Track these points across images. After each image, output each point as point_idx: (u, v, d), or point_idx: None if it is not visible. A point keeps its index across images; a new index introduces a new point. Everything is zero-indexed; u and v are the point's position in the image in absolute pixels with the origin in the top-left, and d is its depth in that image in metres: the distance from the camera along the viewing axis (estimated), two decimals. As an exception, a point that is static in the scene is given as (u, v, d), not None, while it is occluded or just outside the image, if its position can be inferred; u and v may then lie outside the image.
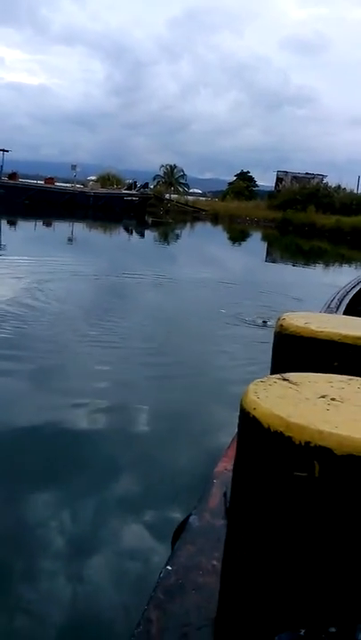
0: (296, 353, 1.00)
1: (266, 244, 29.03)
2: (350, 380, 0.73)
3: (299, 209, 35.98)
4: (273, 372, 0.91)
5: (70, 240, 21.13)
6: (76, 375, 5.43)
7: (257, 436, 0.59)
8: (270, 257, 22.68)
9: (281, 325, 1.06)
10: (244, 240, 29.78)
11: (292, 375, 0.72)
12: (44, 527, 2.99)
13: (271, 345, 1.13)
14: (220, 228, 35.42)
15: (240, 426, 0.64)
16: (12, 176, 36.28)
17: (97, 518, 3.10)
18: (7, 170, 36.85)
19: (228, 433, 3.58)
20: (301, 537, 0.54)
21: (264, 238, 31.28)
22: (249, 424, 0.60)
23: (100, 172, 45.99)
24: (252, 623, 0.61)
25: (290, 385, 0.68)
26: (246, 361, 6.11)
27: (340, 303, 3.40)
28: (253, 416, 0.59)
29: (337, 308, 3.16)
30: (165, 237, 27.21)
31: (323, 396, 0.65)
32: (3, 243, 17.90)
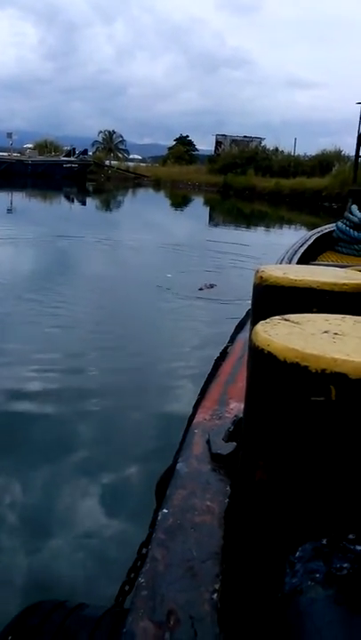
0: (276, 302, 1.03)
1: (208, 209, 29.18)
2: (343, 317, 0.78)
3: (239, 172, 36.19)
4: (254, 322, 0.90)
5: (10, 210, 20.72)
6: (22, 344, 5.38)
7: (273, 371, 0.62)
8: (213, 221, 22.92)
9: (260, 277, 1.09)
10: (186, 205, 29.87)
11: (291, 316, 0.76)
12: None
13: (251, 297, 1.18)
14: (162, 193, 35.28)
15: (253, 364, 0.68)
16: None
17: (53, 491, 3.13)
18: None
19: (187, 391, 3.82)
20: (318, 455, 0.59)
21: (206, 203, 31.42)
22: (264, 360, 0.64)
23: (37, 140, 44.74)
24: (262, 545, 0.63)
25: (293, 324, 0.71)
26: (194, 323, 6.36)
27: (291, 261, 3.59)
28: (268, 352, 0.63)
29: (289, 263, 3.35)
30: (107, 204, 27.01)
31: (325, 332, 0.68)
32: None
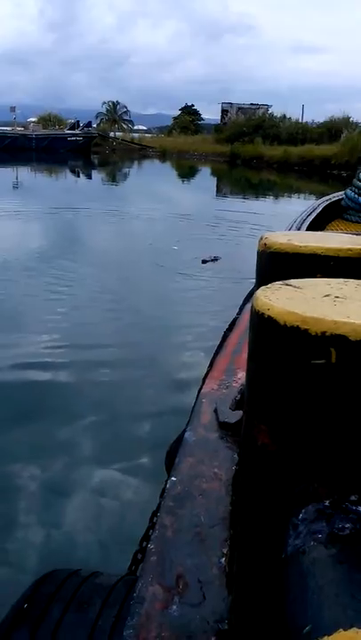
0: (280, 269, 1.02)
1: (216, 179, 28.89)
2: (346, 281, 0.77)
3: (246, 141, 35.69)
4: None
5: (16, 185, 20.63)
6: (33, 316, 5.46)
7: (274, 334, 0.62)
8: (221, 192, 22.69)
9: (264, 244, 1.08)
10: (193, 176, 29.57)
11: (292, 281, 0.76)
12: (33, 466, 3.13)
13: (256, 264, 1.17)
14: (168, 164, 34.92)
15: (253, 329, 0.68)
16: None
17: (77, 456, 3.21)
18: None
19: (197, 363, 3.83)
20: (319, 418, 0.60)
21: (213, 173, 31.09)
22: (264, 324, 0.64)
23: (40, 113, 44.24)
24: (266, 509, 0.64)
25: (294, 289, 0.72)
26: (202, 294, 6.37)
27: (299, 230, 3.56)
28: (269, 316, 0.63)
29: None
30: (113, 177, 26.79)
31: (327, 295, 0.69)
32: None
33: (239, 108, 42.72)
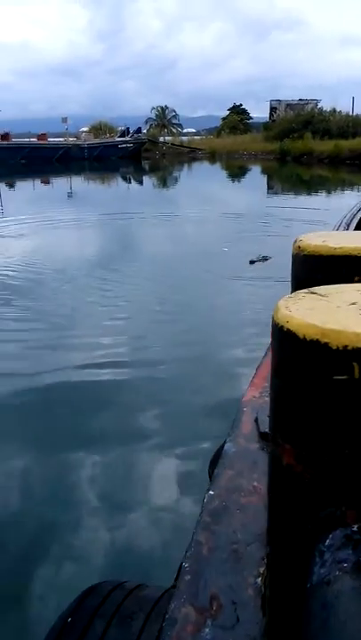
0: (315, 272, 0.97)
1: (266, 177, 28.62)
2: None
3: (295, 137, 35.20)
4: None
5: (70, 194, 21.07)
6: (92, 324, 5.55)
7: (293, 348, 0.58)
8: (272, 189, 22.47)
9: (298, 247, 1.03)
10: (243, 175, 29.39)
11: (319, 288, 0.72)
12: (90, 470, 3.16)
13: (291, 267, 1.11)
14: (218, 165, 34.86)
15: (274, 342, 0.64)
16: (5, 137, 35.71)
17: (135, 457, 3.24)
18: (-2, 131, 36.30)
19: (248, 366, 3.80)
20: (345, 439, 0.56)
21: (264, 171, 30.79)
22: (284, 338, 0.60)
23: (91, 123, 45.06)
24: (296, 531, 0.61)
25: (319, 297, 0.67)
26: (252, 297, 6.30)
27: (350, 224, 3.41)
28: (288, 329, 0.59)
29: (347, 228, 3.18)
30: (164, 181, 26.95)
31: (353, 303, 0.64)
32: (3, 204, 17.99)
33: (288, 105, 42.20)
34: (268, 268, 7.42)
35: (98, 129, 42.75)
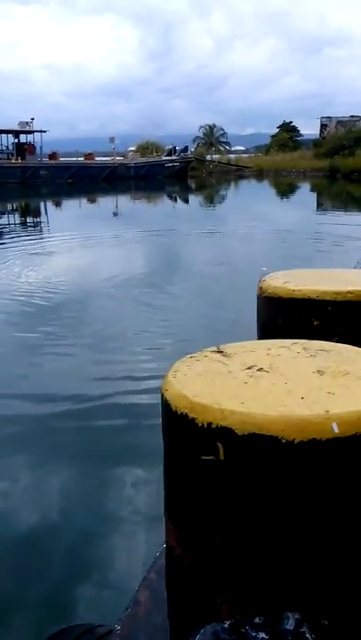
0: (276, 315, 0.95)
1: (315, 195, 28.06)
2: (295, 343, 0.69)
3: (346, 154, 34.51)
4: (259, 337, 0.90)
5: (115, 214, 21.02)
6: (135, 332, 5.66)
7: (168, 420, 0.54)
8: (321, 207, 21.88)
9: (261, 287, 0.99)
10: (292, 193, 28.89)
11: (228, 346, 0.68)
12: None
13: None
14: (265, 183, 34.49)
15: (161, 411, 0.58)
16: (53, 156, 36.34)
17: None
18: (47, 150, 36.90)
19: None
20: (217, 521, 0.51)
21: (313, 189, 30.23)
22: (163, 407, 0.56)
23: (139, 142, 45.45)
24: (179, 615, 0.58)
25: (220, 357, 0.63)
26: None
27: None
28: (165, 398, 0.55)
29: None
30: (210, 199, 26.70)
31: (250, 367, 0.59)
32: (50, 222, 18.15)
33: (338, 122, 41.53)
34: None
35: (145, 148, 43.01)
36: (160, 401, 0.57)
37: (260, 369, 0.60)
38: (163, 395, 0.57)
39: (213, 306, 6.64)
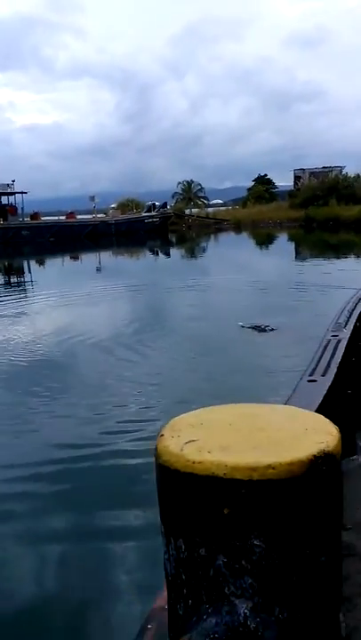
0: (178, 492, 0.72)
1: (293, 244, 28.73)
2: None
3: (320, 204, 35.54)
4: (160, 512, 0.75)
5: (98, 269, 21.32)
6: (119, 390, 5.66)
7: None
8: (300, 256, 22.41)
9: (157, 448, 0.76)
10: (270, 243, 29.54)
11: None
12: None
13: None
14: (244, 235, 35.24)
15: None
16: (34, 216, 37.02)
17: None
18: (29, 211, 37.61)
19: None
20: None
21: (290, 238, 30.96)
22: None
23: (119, 199, 46.48)
24: None
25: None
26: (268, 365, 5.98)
27: (350, 316, 2.83)
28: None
29: (346, 323, 2.66)
30: (191, 252, 27.22)
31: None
32: (34, 280, 18.35)
33: (311, 173, 42.90)
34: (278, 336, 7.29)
35: (125, 205, 43.99)
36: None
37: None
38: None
39: (189, 364, 6.67)
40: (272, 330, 7.59)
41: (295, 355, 5.61)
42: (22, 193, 36.85)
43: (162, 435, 0.77)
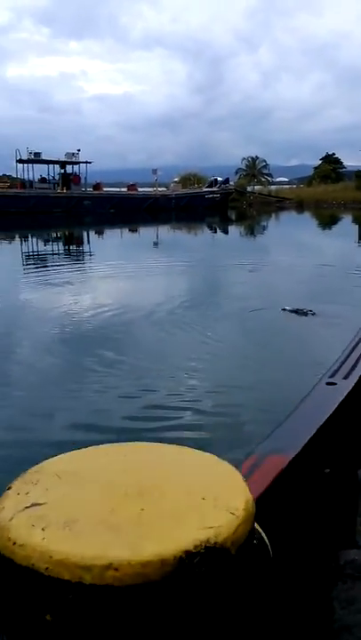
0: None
1: (357, 227, 27.83)
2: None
3: (390, 186, 34.22)
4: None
5: (156, 243, 21.30)
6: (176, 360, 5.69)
7: None
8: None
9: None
10: (333, 224, 28.71)
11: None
12: None
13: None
14: (306, 215, 34.40)
15: None
16: (97, 186, 37.18)
17: None
18: (92, 181, 37.82)
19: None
20: None
21: (355, 220, 29.99)
22: None
23: (182, 173, 46.14)
24: None
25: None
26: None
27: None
28: None
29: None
30: (250, 230, 26.79)
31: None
32: (92, 250, 18.57)
33: (382, 153, 41.30)
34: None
35: (187, 179, 43.60)
36: None
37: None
38: None
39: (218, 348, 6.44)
40: (313, 314, 7.22)
41: (327, 346, 5.28)
42: (87, 162, 37.00)
43: (9, 488, 0.60)
